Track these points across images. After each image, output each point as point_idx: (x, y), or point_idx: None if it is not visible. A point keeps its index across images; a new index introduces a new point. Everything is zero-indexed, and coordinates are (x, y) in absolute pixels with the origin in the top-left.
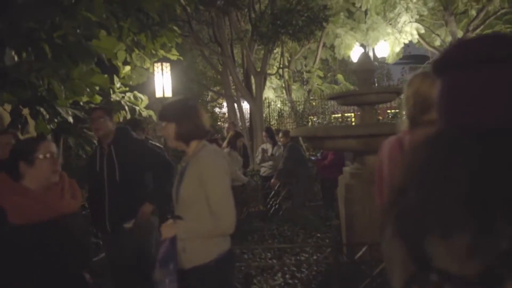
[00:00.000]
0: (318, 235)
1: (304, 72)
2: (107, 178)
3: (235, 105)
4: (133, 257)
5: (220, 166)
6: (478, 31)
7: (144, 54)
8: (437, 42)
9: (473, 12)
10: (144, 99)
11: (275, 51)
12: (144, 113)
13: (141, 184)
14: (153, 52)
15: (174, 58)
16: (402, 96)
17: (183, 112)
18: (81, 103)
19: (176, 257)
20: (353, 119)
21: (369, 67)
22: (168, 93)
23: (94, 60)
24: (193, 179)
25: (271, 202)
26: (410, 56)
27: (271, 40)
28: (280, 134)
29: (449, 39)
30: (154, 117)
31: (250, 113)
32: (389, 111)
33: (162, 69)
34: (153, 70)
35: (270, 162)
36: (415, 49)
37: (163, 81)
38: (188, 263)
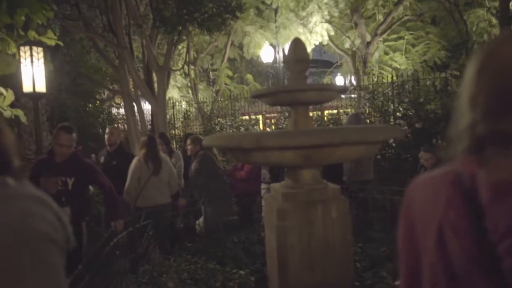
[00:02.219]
0: (241, 272)
1: (211, 72)
2: None
3: (134, 105)
4: None
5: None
6: (385, 35)
7: (8, 36)
8: (347, 45)
9: (380, 17)
10: (7, 94)
11: (180, 46)
12: (7, 112)
13: None
14: (22, 33)
15: (51, 42)
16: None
17: None
18: None
19: None
20: (260, 123)
21: (304, 57)
22: (41, 87)
23: None
24: None
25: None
26: (314, 60)
27: (176, 29)
28: (188, 141)
29: (358, 41)
30: (23, 118)
31: (152, 115)
32: (326, 112)
33: (31, 55)
34: (19, 56)
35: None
36: (317, 55)
37: (33, 71)
38: None
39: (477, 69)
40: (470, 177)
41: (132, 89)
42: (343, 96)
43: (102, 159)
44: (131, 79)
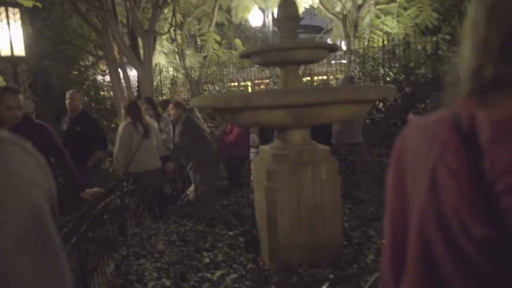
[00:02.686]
0: (230, 233)
1: (198, 37)
2: None
3: (120, 71)
4: None
5: None
6: None
7: None
8: (337, 8)
9: None
10: None
11: (165, 10)
12: None
13: None
14: None
15: (28, 4)
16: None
17: None
18: None
19: None
20: (249, 90)
21: (294, 14)
22: (20, 51)
23: None
24: None
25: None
26: (304, 26)
27: None
28: (170, 106)
29: (349, 4)
30: (2, 83)
31: (138, 81)
32: (316, 78)
33: (7, 16)
34: None
35: (164, 137)
36: (307, 20)
37: (10, 34)
38: None
39: (488, 10)
40: (469, 119)
41: (117, 55)
42: (333, 61)
43: (64, 127)
44: (115, 45)
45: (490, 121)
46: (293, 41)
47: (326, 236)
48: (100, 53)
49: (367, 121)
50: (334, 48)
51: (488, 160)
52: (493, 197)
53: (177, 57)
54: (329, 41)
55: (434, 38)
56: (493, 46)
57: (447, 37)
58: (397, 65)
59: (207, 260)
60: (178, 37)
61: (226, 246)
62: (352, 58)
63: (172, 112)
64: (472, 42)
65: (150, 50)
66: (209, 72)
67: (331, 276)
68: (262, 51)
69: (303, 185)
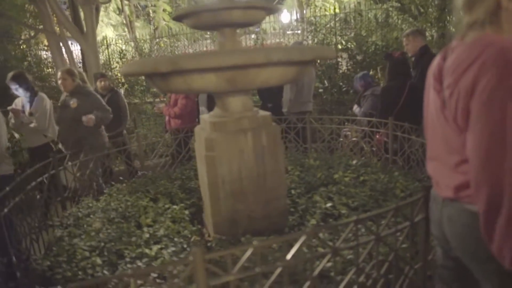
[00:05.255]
0: (175, 207)
1: (150, 8)
2: None
3: (62, 45)
4: None
5: None
6: None
7: None
8: None
9: None
10: None
11: None
12: None
13: None
14: None
15: None
16: None
17: None
18: None
19: None
20: None
21: None
22: None
23: None
24: None
25: None
26: None
27: None
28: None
29: None
30: None
31: (83, 55)
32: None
33: None
34: None
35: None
36: None
37: None
38: None
39: None
40: (450, 48)
41: (58, 28)
42: (289, 32)
43: None
44: (54, 15)
45: (452, 47)
46: (228, 1)
47: (270, 204)
48: (36, 24)
49: (320, 90)
50: (272, 9)
51: (445, 65)
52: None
53: (126, 29)
54: (285, 12)
55: (385, 6)
56: (463, 6)
57: (397, 4)
58: (349, 33)
59: (147, 236)
60: (126, 8)
61: (169, 220)
62: (305, 26)
63: (102, 84)
64: (456, 5)
65: (92, 21)
66: (160, 44)
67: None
68: (194, 11)
69: (244, 153)
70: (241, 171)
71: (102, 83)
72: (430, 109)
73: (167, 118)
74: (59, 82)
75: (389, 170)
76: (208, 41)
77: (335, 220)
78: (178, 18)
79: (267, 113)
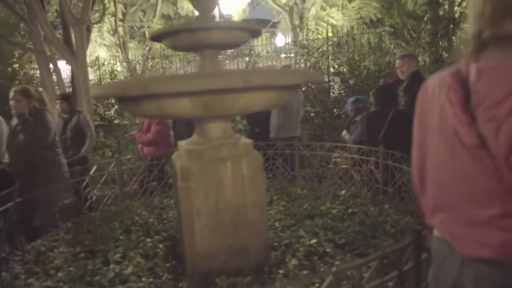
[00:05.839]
0: (148, 240)
1: (146, 30)
2: None
3: (51, 65)
4: None
5: None
6: None
7: None
8: (284, 0)
9: None
10: None
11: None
12: None
13: None
14: None
15: None
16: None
17: None
18: None
19: None
20: None
21: None
22: None
23: None
24: None
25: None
26: (249, 20)
27: None
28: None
29: None
30: None
31: (72, 75)
32: None
33: None
34: None
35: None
36: (257, 14)
37: None
38: None
39: None
40: (466, 69)
41: (48, 47)
42: (282, 55)
43: None
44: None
45: (475, 70)
46: (208, 21)
47: (250, 239)
48: (24, 42)
49: (312, 114)
50: (256, 31)
51: (473, 93)
52: (475, 117)
53: (119, 50)
54: (280, 35)
55: (377, 30)
56: (487, 16)
57: (390, 29)
58: (343, 57)
59: (112, 274)
60: (120, 29)
61: (139, 256)
62: (298, 49)
63: (61, 107)
64: (472, 14)
65: (83, 41)
66: (153, 65)
67: None
68: (171, 31)
69: (222, 183)
70: (219, 202)
71: (58, 106)
72: (438, 147)
73: (139, 145)
74: (11, 103)
75: (379, 202)
76: None
77: (319, 259)
78: (155, 38)
79: (249, 140)
